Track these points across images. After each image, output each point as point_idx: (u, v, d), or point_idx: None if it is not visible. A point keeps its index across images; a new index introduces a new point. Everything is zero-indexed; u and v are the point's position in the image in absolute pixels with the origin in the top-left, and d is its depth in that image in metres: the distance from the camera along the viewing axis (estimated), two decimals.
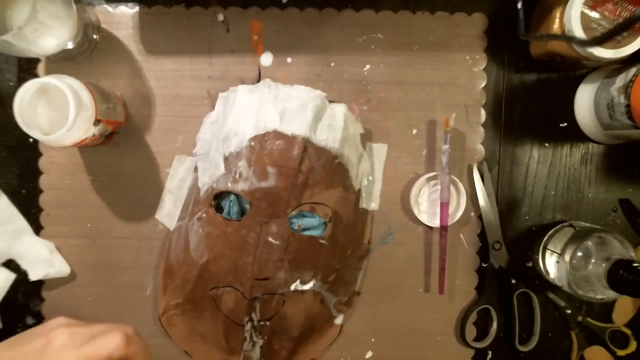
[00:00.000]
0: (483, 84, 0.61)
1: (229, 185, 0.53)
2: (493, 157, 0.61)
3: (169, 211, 0.60)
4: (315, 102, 0.53)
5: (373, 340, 0.62)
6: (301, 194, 0.52)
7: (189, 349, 0.59)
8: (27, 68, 0.59)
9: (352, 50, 0.60)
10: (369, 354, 0.62)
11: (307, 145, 0.52)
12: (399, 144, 0.61)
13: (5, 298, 0.59)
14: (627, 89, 0.51)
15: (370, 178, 0.61)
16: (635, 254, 0.52)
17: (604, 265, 0.51)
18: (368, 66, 0.60)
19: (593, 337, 0.61)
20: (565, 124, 0.61)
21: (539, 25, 0.56)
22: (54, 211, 0.60)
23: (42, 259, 0.58)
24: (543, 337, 0.61)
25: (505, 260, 0.61)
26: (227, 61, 0.60)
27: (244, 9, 0.59)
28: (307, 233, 0.54)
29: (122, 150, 0.60)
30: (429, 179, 0.60)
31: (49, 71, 0.59)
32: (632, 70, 0.52)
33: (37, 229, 0.60)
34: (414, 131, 0.61)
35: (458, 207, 0.59)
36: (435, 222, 0.59)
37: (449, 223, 0.59)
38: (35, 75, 0.59)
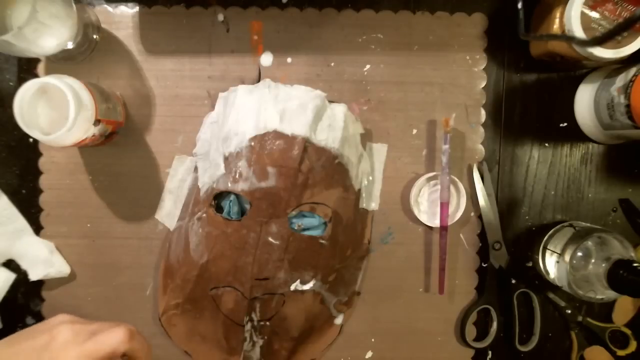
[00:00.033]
0: (483, 84, 0.61)
1: (229, 185, 0.53)
2: (493, 157, 0.61)
3: (169, 211, 0.60)
4: (315, 102, 0.53)
5: (373, 340, 0.62)
6: (301, 194, 0.52)
7: (189, 349, 0.59)
8: (27, 68, 0.59)
9: (352, 50, 0.60)
10: (369, 354, 0.62)
11: (307, 145, 0.52)
12: (399, 144, 0.61)
13: (5, 298, 0.59)
14: (627, 89, 0.51)
15: (370, 178, 0.61)
16: (635, 254, 0.52)
17: (604, 265, 0.51)
18: (368, 66, 0.60)
19: (593, 337, 0.61)
20: (565, 124, 0.61)
21: (539, 25, 0.56)
22: (54, 211, 0.60)
23: (42, 259, 0.58)
24: (543, 337, 0.61)
25: (505, 260, 0.61)
26: (227, 61, 0.60)
27: (244, 9, 0.59)
28: (307, 233, 0.54)
29: (122, 150, 0.60)
30: (429, 179, 0.60)
31: (49, 71, 0.59)
32: (632, 70, 0.52)
33: (37, 229, 0.60)
34: (414, 131, 0.61)
35: (458, 207, 0.59)
36: (435, 222, 0.59)
37: (449, 223, 0.59)
38: (35, 75, 0.59)
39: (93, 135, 0.53)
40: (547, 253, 0.57)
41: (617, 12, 0.50)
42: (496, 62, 0.61)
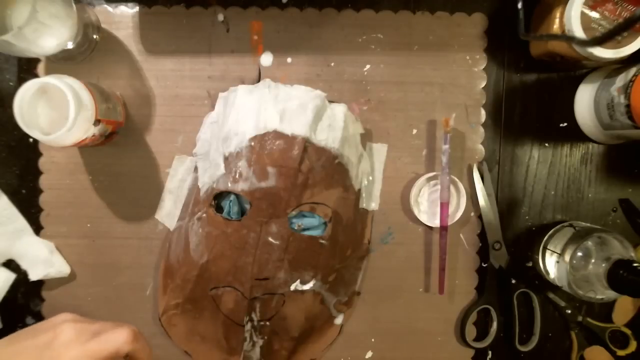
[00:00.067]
0: (483, 84, 0.61)
1: (229, 185, 0.53)
2: (493, 157, 0.61)
3: (169, 211, 0.60)
4: (315, 102, 0.53)
5: (373, 340, 0.62)
6: (301, 194, 0.52)
7: (189, 349, 0.59)
8: (27, 68, 0.59)
9: (352, 50, 0.60)
10: (369, 354, 0.62)
11: (307, 145, 0.52)
12: (399, 144, 0.61)
13: (5, 298, 0.59)
14: (627, 89, 0.51)
15: (370, 178, 0.61)
16: (635, 254, 0.52)
17: (604, 265, 0.51)
18: (368, 66, 0.60)
19: (593, 337, 0.61)
20: (565, 124, 0.61)
21: (539, 25, 0.56)
22: (54, 211, 0.60)
23: (42, 259, 0.58)
24: (543, 337, 0.61)
25: (505, 260, 0.61)
26: (227, 61, 0.60)
27: (244, 9, 0.59)
28: (307, 233, 0.54)
29: (122, 150, 0.60)
30: (429, 179, 0.60)
31: (49, 71, 0.59)
32: (632, 70, 0.52)
33: (37, 229, 0.60)
34: (414, 131, 0.61)
35: (458, 207, 0.59)
36: (435, 222, 0.59)
37: (449, 223, 0.59)
38: (35, 75, 0.59)
39: (93, 135, 0.53)
40: (547, 253, 0.57)
41: (617, 12, 0.50)
42: (496, 62, 0.61)
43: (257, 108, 0.53)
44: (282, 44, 0.60)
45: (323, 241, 0.54)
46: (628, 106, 0.51)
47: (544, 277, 0.59)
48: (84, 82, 0.51)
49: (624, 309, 0.61)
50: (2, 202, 0.59)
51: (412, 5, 0.60)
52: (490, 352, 0.62)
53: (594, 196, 0.62)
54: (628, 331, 0.61)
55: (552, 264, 0.57)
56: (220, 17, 0.59)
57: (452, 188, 0.59)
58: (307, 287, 0.55)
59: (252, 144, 0.52)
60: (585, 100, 0.59)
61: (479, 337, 0.62)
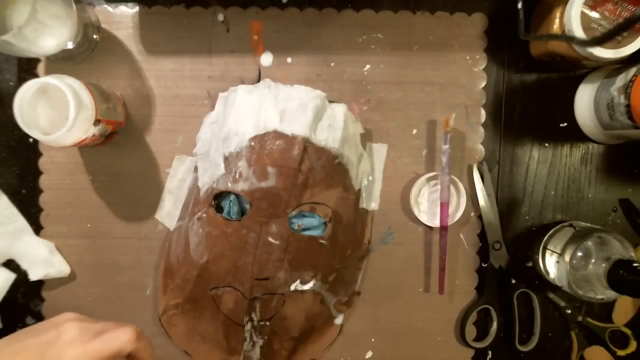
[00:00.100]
0: (483, 84, 0.61)
1: (229, 185, 0.53)
2: (493, 157, 0.61)
3: (169, 211, 0.60)
4: (315, 102, 0.53)
5: (373, 340, 0.62)
6: (301, 194, 0.52)
7: (189, 349, 0.59)
8: (27, 68, 0.59)
9: (352, 50, 0.60)
10: (369, 354, 0.62)
11: (307, 145, 0.52)
12: (399, 144, 0.61)
13: (5, 298, 0.59)
14: (627, 89, 0.51)
15: (370, 178, 0.61)
16: (635, 254, 0.52)
17: (604, 265, 0.51)
18: (368, 66, 0.60)
19: (593, 337, 0.61)
20: (565, 124, 0.61)
21: (539, 25, 0.56)
22: (54, 211, 0.60)
23: (42, 259, 0.58)
24: (543, 337, 0.61)
25: (505, 260, 0.61)
26: (227, 61, 0.60)
27: (244, 9, 0.59)
28: (307, 233, 0.54)
29: (122, 150, 0.60)
30: (429, 179, 0.60)
31: (49, 71, 0.59)
32: (632, 70, 0.52)
33: (37, 229, 0.60)
34: (414, 131, 0.61)
35: (458, 207, 0.59)
36: (435, 222, 0.59)
37: (449, 223, 0.59)
38: (35, 75, 0.59)
39: (93, 135, 0.53)
40: (547, 253, 0.57)
41: (617, 12, 0.50)
42: (496, 62, 0.61)
43: (257, 108, 0.53)
44: (282, 44, 0.60)
45: (323, 241, 0.54)
46: (628, 106, 0.51)
47: (544, 277, 0.59)
48: (84, 82, 0.51)
49: (624, 309, 0.61)
50: (2, 202, 0.59)
51: (412, 5, 0.60)
52: (490, 352, 0.62)
53: (594, 196, 0.62)
54: (628, 331, 0.61)
55: (552, 264, 0.57)
56: (220, 17, 0.59)
57: (452, 188, 0.59)
58: (307, 287, 0.55)
59: (252, 144, 0.52)
60: (585, 100, 0.59)
61: (479, 337, 0.62)
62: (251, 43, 0.60)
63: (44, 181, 0.60)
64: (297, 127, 0.52)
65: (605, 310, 0.62)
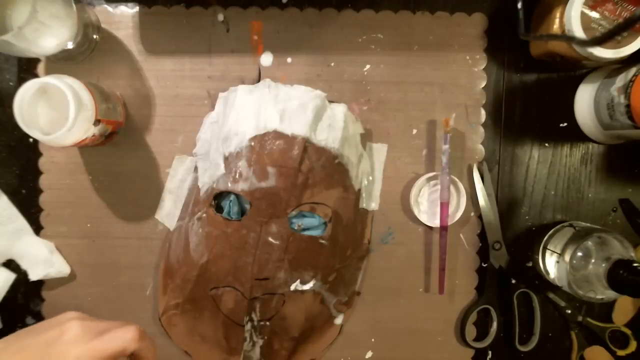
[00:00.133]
0: (483, 84, 0.61)
1: (229, 185, 0.53)
2: (493, 157, 0.61)
3: (169, 211, 0.60)
4: (315, 102, 0.53)
5: (373, 340, 0.62)
6: (301, 194, 0.52)
7: (189, 349, 0.59)
8: (27, 68, 0.59)
9: (352, 50, 0.60)
10: (369, 354, 0.62)
11: (307, 145, 0.52)
12: (399, 144, 0.61)
13: (5, 298, 0.59)
14: (627, 89, 0.51)
15: (370, 178, 0.61)
16: (635, 254, 0.52)
17: (604, 265, 0.51)
18: (368, 66, 0.60)
19: (593, 337, 0.61)
20: (565, 124, 0.61)
21: (539, 25, 0.56)
22: (54, 211, 0.60)
23: (42, 259, 0.58)
24: (543, 337, 0.61)
25: (505, 260, 0.61)
26: (227, 61, 0.60)
27: (244, 9, 0.59)
28: (307, 233, 0.54)
29: (122, 150, 0.60)
30: (429, 179, 0.60)
31: (49, 71, 0.59)
32: (632, 70, 0.52)
33: (37, 229, 0.60)
34: (414, 131, 0.61)
35: (458, 207, 0.59)
36: (435, 222, 0.59)
37: (449, 223, 0.59)
38: (35, 75, 0.59)
39: (93, 135, 0.53)
40: (547, 253, 0.57)
41: (617, 12, 0.50)
42: (496, 62, 0.61)
43: (257, 108, 0.53)
44: (282, 44, 0.60)
45: (323, 241, 0.54)
46: (628, 106, 0.51)
47: (544, 277, 0.59)
48: (84, 82, 0.51)
49: (624, 309, 0.61)
50: (2, 202, 0.59)
51: (412, 5, 0.60)
52: (490, 352, 0.62)
53: (594, 196, 0.62)
54: (628, 331, 0.61)
55: (552, 264, 0.57)
56: (220, 17, 0.59)
57: (452, 188, 0.59)
58: (307, 287, 0.55)
59: (252, 144, 0.52)
60: (585, 100, 0.59)
61: (479, 337, 0.62)
62: (251, 43, 0.60)
63: (44, 181, 0.60)
64: (297, 127, 0.52)
65: (605, 310, 0.62)
